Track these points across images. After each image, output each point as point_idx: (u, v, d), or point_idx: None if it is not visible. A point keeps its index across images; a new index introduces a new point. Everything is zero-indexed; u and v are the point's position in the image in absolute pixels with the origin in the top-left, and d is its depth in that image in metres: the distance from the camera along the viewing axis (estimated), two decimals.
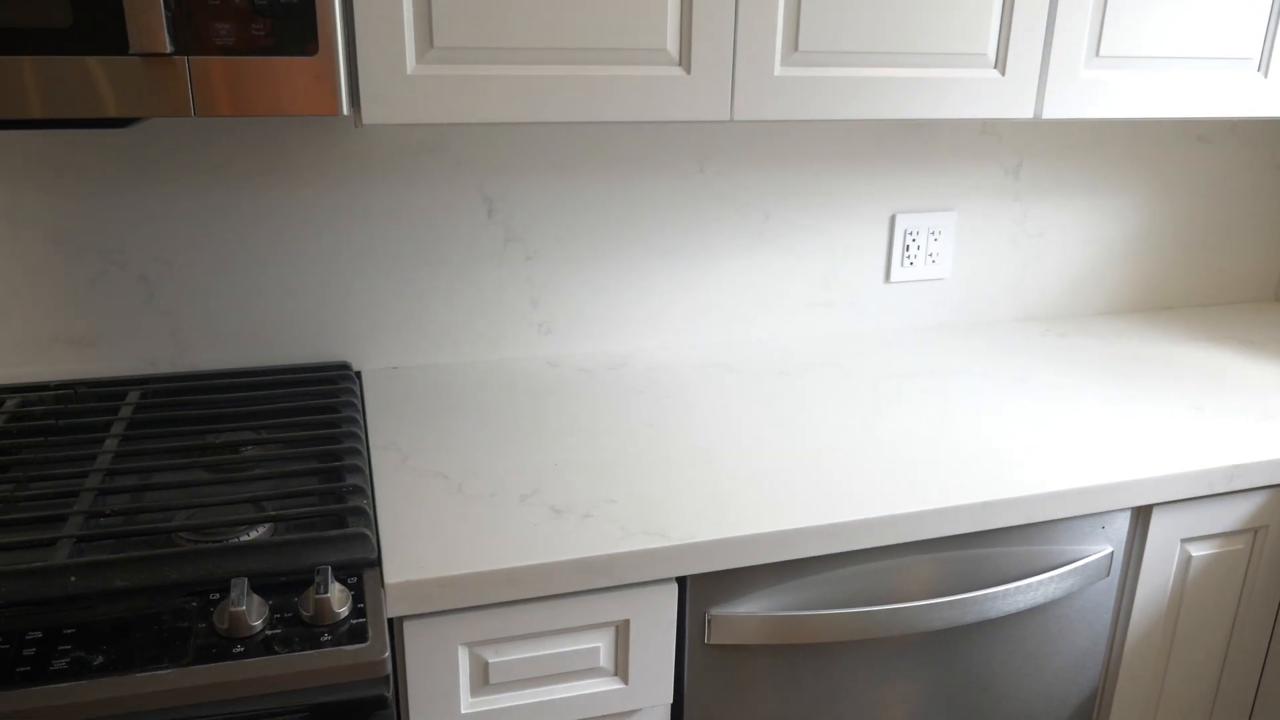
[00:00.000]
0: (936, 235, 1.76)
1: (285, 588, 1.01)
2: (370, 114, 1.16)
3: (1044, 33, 1.36)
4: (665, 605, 1.14)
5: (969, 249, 1.81)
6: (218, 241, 1.45)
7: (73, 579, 0.98)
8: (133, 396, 1.38)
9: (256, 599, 0.97)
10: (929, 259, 1.77)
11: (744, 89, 1.27)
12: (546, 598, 1.09)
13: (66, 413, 1.33)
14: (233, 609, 0.93)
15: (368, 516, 1.10)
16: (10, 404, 1.35)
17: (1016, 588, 1.29)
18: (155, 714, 0.91)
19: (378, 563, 1.05)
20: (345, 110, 1.10)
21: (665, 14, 1.21)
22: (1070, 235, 1.87)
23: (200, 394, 1.41)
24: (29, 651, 0.92)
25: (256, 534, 1.10)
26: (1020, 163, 1.79)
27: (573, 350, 1.65)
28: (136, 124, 1.19)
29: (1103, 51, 1.39)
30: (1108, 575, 1.36)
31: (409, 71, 1.16)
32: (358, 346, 1.56)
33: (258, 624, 0.95)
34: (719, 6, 1.22)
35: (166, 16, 1.01)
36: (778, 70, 1.27)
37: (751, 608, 1.19)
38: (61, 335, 1.43)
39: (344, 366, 1.52)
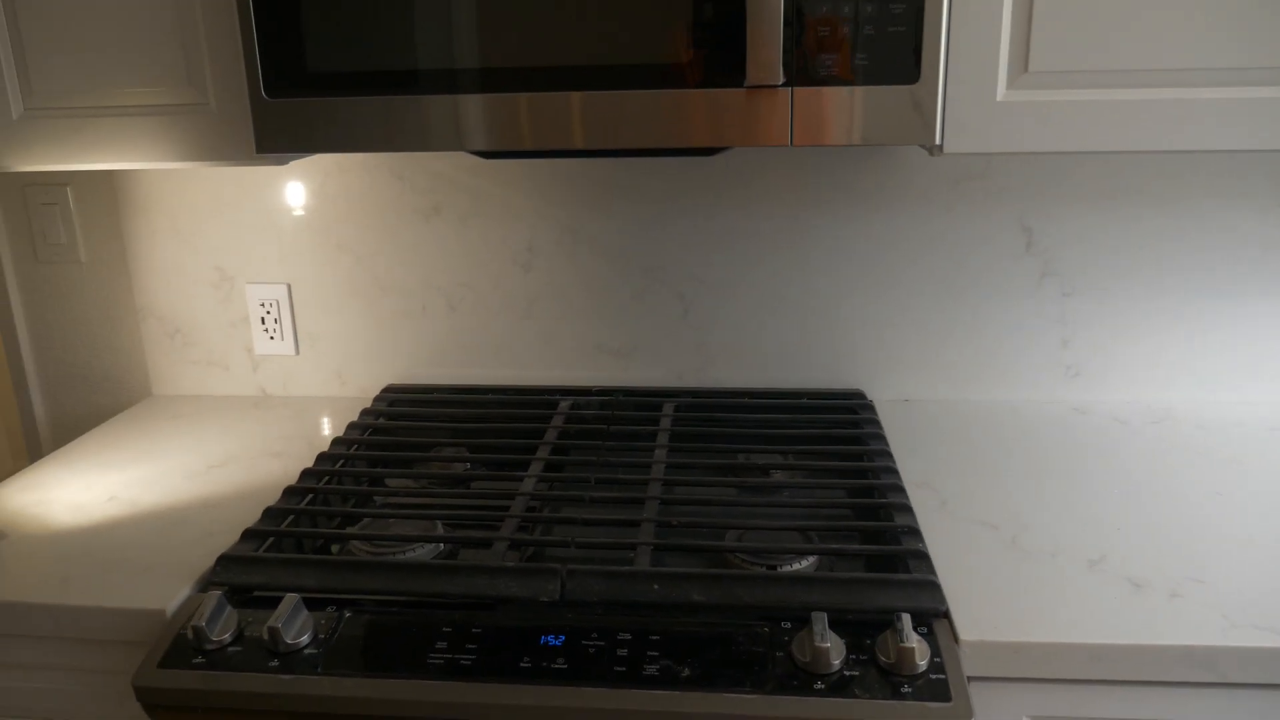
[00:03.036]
0: None
1: (851, 626, 0.99)
2: (953, 143, 1.11)
3: None
4: None
5: None
6: (746, 262, 1.49)
7: (655, 587, 1.02)
8: (667, 408, 1.44)
9: (834, 636, 0.95)
10: None
11: None
12: (1129, 683, 0.97)
13: (613, 418, 1.42)
14: (818, 644, 0.92)
15: (930, 563, 1.05)
16: (564, 405, 1.46)
17: None
18: None
19: (947, 615, 1.00)
20: (939, 140, 1.07)
21: None
22: None
23: (726, 411, 1.45)
24: (621, 652, 0.97)
25: (802, 565, 1.09)
26: None
27: (1103, 397, 1.51)
28: (722, 153, 1.23)
29: None
30: None
31: (998, 98, 1.10)
32: (870, 375, 1.53)
33: (836, 663, 0.93)
34: None
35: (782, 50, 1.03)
36: None
37: None
38: (604, 345, 1.54)
39: (859, 395, 1.50)
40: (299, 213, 1.51)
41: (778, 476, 1.30)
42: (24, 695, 1.10)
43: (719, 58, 1.06)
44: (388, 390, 1.55)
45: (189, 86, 1.18)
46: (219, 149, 1.19)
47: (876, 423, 1.39)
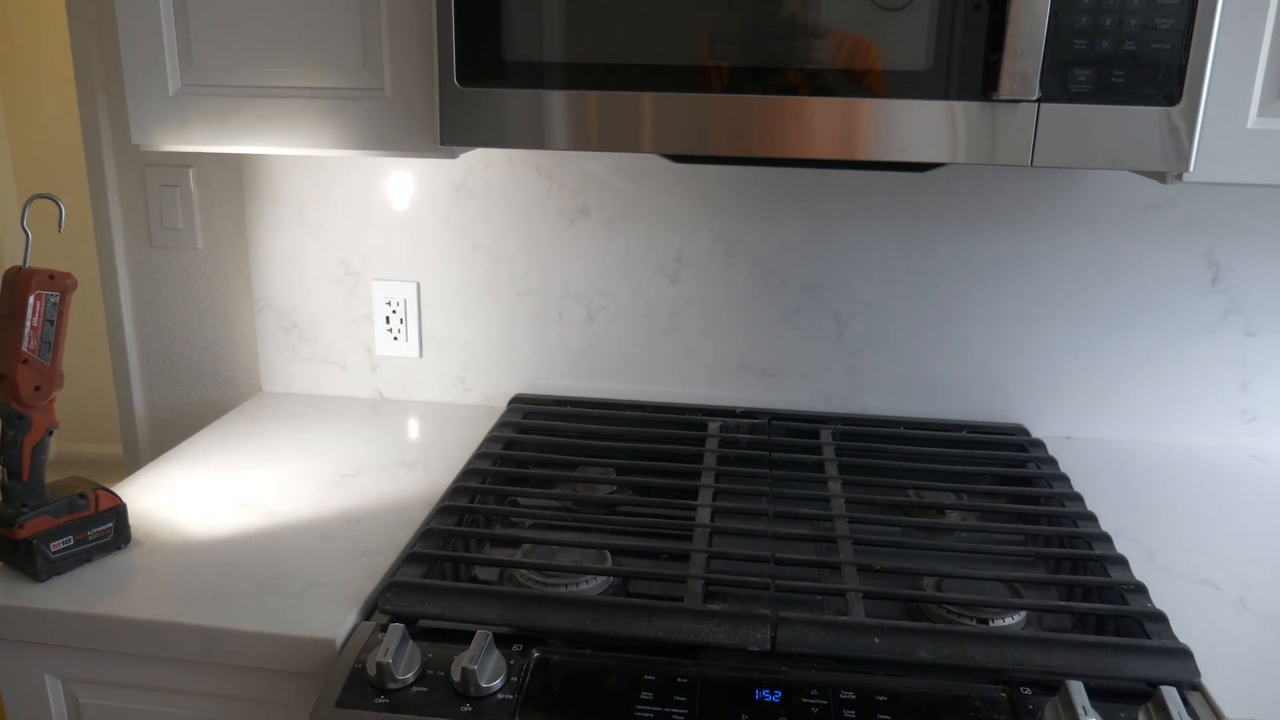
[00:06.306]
0: None
1: (1094, 694, 0.90)
2: (1199, 171, 1.03)
3: None
4: None
5: None
6: (909, 284, 1.40)
7: (876, 640, 0.93)
8: (825, 435, 1.35)
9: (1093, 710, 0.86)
10: None
11: None
12: None
13: (772, 444, 1.34)
14: (1083, 718, 0.83)
15: (1170, 627, 0.96)
16: (713, 427, 1.37)
17: None
18: None
19: (1201, 688, 0.92)
20: (1193, 168, 0.99)
21: None
22: None
23: (887, 441, 1.36)
24: (849, 714, 0.88)
25: (1011, 621, 1.00)
26: None
27: None
28: (935, 169, 1.15)
29: None
30: None
31: (1249, 124, 1.02)
32: (1029, 409, 1.44)
33: None
34: None
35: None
36: None
37: None
38: (749, 363, 1.45)
39: (1021, 430, 1.41)
40: (435, 208, 1.42)
41: (951, 517, 1.22)
42: None
43: (963, 67, 0.97)
44: (518, 400, 1.46)
45: (363, 70, 1.09)
46: (391, 138, 1.10)
47: (1052, 461, 1.31)
